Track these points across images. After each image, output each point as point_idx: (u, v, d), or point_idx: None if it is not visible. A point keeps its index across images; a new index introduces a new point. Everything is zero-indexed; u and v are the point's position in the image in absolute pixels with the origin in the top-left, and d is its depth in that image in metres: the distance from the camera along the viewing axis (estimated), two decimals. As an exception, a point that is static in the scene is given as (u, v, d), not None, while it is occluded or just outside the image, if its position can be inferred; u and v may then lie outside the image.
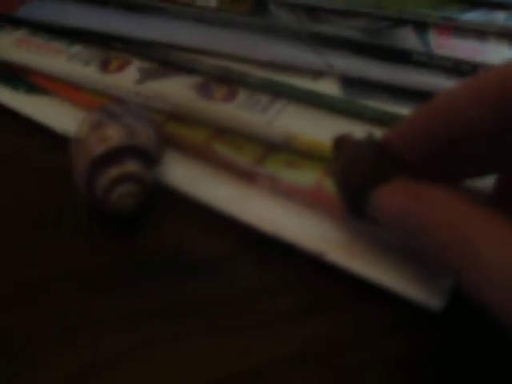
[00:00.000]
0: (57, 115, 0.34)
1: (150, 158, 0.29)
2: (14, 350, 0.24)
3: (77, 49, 0.37)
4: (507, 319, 0.19)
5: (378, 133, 0.26)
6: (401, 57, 0.35)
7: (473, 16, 0.37)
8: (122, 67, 0.36)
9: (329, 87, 0.33)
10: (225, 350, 0.24)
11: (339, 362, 0.24)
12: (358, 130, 0.28)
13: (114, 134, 0.28)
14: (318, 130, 0.31)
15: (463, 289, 0.21)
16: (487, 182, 0.27)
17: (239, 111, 0.32)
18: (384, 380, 0.23)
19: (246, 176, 0.30)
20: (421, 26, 0.37)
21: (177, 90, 0.34)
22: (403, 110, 0.32)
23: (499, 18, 0.37)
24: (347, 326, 0.25)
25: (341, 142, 0.27)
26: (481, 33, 0.36)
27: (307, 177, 0.30)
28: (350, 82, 0.34)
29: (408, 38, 0.35)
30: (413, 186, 0.24)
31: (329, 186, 0.28)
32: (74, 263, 0.27)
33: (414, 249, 0.25)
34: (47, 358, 0.24)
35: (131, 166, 0.28)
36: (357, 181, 0.25)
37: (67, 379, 0.23)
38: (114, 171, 0.27)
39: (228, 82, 0.34)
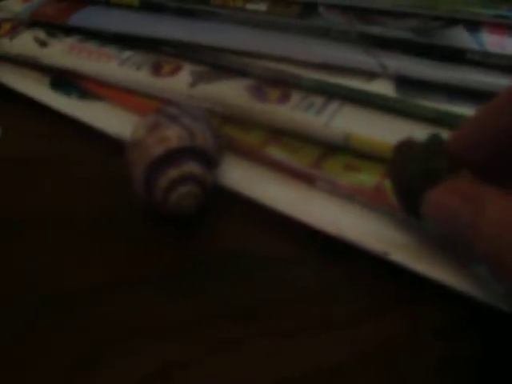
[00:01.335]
0: (110, 120, 0.34)
1: (209, 160, 0.28)
2: (79, 356, 0.24)
3: (128, 54, 0.37)
4: None
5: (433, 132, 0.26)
6: (455, 56, 0.34)
7: (525, 15, 0.36)
8: (174, 71, 0.36)
9: (384, 88, 0.33)
10: (292, 350, 0.24)
11: (404, 364, 0.23)
12: (415, 130, 0.28)
13: (173, 135, 0.27)
14: (376, 130, 0.31)
15: None
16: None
17: (295, 113, 0.32)
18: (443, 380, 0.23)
19: (305, 178, 0.30)
20: (473, 25, 0.36)
21: (230, 92, 0.34)
22: (460, 109, 0.31)
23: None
24: (405, 329, 0.25)
25: (402, 145, 0.27)
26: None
27: (366, 179, 0.29)
28: (404, 83, 0.33)
29: (461, 38, 0.35)
30: (465, 187, 0.24)
31: (388, 186, 0.28)
32: (134, 267, 0.27)
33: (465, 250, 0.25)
34: (112, 365, 0.23)
35: (190, 167, 0.27)
36: (408, 181, 0.25)
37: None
38: (173, 172, 0.27)
39: (281, 84, 0.34)
